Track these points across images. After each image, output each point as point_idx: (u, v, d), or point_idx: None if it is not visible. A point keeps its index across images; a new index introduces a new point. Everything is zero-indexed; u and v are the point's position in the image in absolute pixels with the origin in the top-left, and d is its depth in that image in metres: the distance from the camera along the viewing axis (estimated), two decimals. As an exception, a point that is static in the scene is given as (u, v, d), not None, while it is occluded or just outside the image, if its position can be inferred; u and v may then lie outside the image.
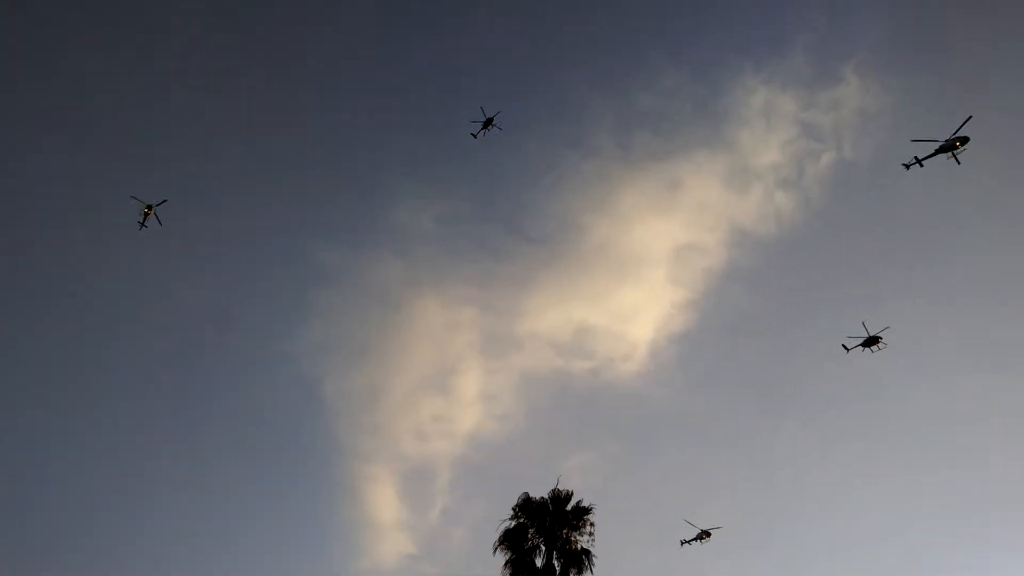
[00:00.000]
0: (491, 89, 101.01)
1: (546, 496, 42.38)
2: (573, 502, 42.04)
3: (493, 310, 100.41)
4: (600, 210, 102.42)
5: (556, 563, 40.46)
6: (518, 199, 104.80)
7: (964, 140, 51.67)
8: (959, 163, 52.71)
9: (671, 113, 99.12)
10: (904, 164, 55.83)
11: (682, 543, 65.09)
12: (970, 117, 50.46)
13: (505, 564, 40.78)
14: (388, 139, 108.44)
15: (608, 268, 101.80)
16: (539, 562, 40.58)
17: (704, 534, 64.44)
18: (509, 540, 41.29)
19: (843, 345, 65.99)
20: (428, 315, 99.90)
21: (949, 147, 52.29)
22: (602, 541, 41.42)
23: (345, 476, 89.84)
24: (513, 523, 41.90)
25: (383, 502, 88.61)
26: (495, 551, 41.52)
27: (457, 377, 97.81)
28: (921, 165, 54.68)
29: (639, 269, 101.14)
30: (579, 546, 40.75)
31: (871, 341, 64.58)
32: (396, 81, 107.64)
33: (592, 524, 41.44)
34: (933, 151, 53.56)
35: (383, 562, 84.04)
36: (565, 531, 41.04)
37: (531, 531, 41.41)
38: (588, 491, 43.26)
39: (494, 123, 69.59)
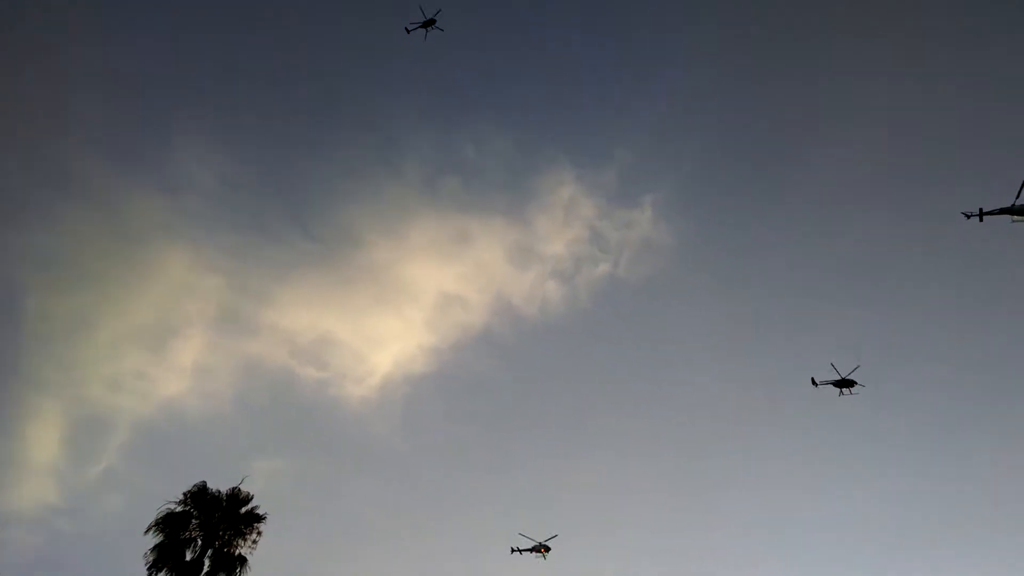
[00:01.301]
0: (331, 83, 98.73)
1: (224, 492, 40.92)
2: (249, 506, 40.98)
3: (243, 288, 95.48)
4: (387, 234, 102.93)
5: (207, 561, 38.93)
6: (312, 192, 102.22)
7: None
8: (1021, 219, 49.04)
9: (489, 173, 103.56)
10: (965, 213, 50.27)
11: (512, 551, 65.66)
12: None
13: (153, 548, 38.43)
14: (199, 70, 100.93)
15: (373, 290, 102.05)
16: (189, 555, 38.79)
17: (543, 547, 65.22)
18: (168, 525, 39.05)
19: (812, 379, 63.77)
20: (171, 266, 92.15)
21: (1018, 211, 48.79)
22: (263, 553, 40.68)
23: (9, 401, 79.00)
24: (179, 508, 39.80)
25: (42, 441, 78.65)
26: (148, 531, 39.04)
27: (177, 340, 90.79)
28: (981, 219, 49.83)
29: (402, 302, 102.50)
30: (238, 552, 39.64)
31: (844, 384, 62.20)
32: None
33: (260, 533, 40.64)
34: (998, 209, 49.31)
35: (16, 505, 74.22)
36: (230, 533, 39.80)
37: (195, 522, 39.60)
38: (269, 499, 42.61)
39: (435, 25, 69.45)
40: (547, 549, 65.51)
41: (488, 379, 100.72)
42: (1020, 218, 48.82)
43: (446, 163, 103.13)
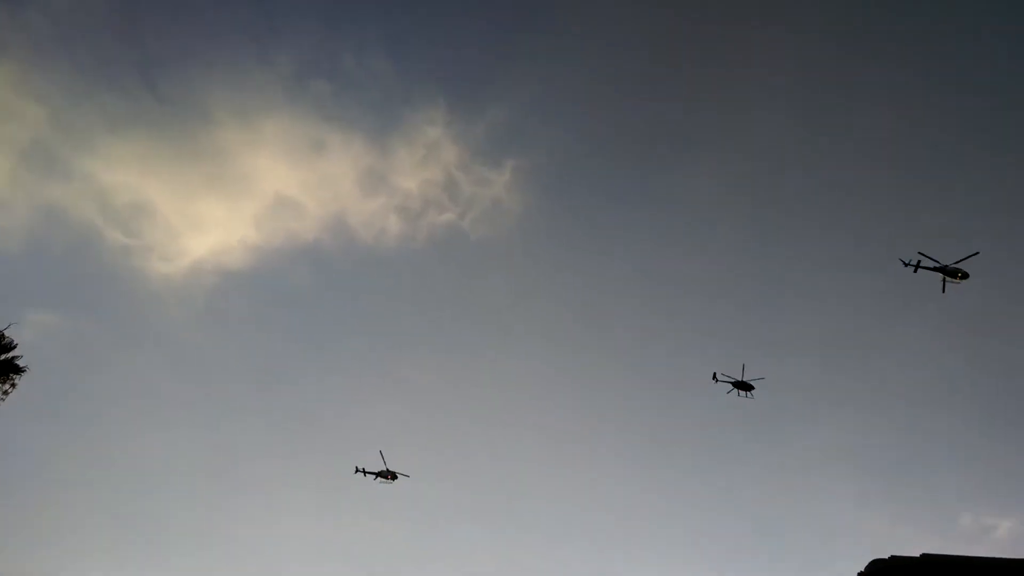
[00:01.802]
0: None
1: (-15, 337, 37.93)
2: (10, 355, 38.65)
3: (66, 128, 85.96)
4: (240, 117, 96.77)
5: (-53, 402, 36.19)
6: (170, 49, 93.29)
7: (964, 276, 50.89)
8: (944, 292, 51.31)
9: (362, 89, 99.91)
10: (903, 260, 52.04)
11: (356, 470, 64.99)
12: (976, 253, 49.83)
13: None
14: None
15: (208, 170, 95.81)
16: (-73, 394, 35.88)
17: (389, 475, 64.78)
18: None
19: (713, 373, 63.09)
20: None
21: (951, 273, 51.04)
22: (17, 406, 38.42)
23: None
24: (-73, 339, 36.48)
25: None
26: None
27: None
28: (915, 271, 51.93)
29: (236, 191, 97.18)
30: (-14, 399, 37.06)
31: (743, 386, 62.14)
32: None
33: (15, 385, 38.31)
34: (932, 266, 51.52)
35: None
36: (-20, 379, 37.06)
37: (-58, 358, 36.51)
38: (37, 353, 40.46)
39: None
40: (393, 477, 65.29)
41: (305, 292, 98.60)
42: (950, 278, 51.49)
43: (321, 65, 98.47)
